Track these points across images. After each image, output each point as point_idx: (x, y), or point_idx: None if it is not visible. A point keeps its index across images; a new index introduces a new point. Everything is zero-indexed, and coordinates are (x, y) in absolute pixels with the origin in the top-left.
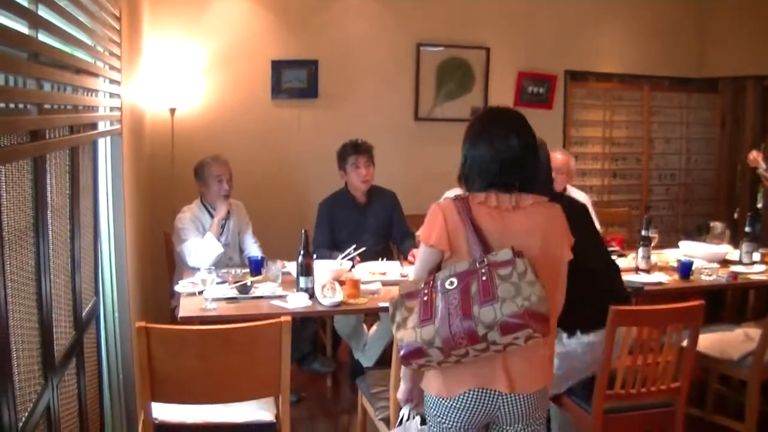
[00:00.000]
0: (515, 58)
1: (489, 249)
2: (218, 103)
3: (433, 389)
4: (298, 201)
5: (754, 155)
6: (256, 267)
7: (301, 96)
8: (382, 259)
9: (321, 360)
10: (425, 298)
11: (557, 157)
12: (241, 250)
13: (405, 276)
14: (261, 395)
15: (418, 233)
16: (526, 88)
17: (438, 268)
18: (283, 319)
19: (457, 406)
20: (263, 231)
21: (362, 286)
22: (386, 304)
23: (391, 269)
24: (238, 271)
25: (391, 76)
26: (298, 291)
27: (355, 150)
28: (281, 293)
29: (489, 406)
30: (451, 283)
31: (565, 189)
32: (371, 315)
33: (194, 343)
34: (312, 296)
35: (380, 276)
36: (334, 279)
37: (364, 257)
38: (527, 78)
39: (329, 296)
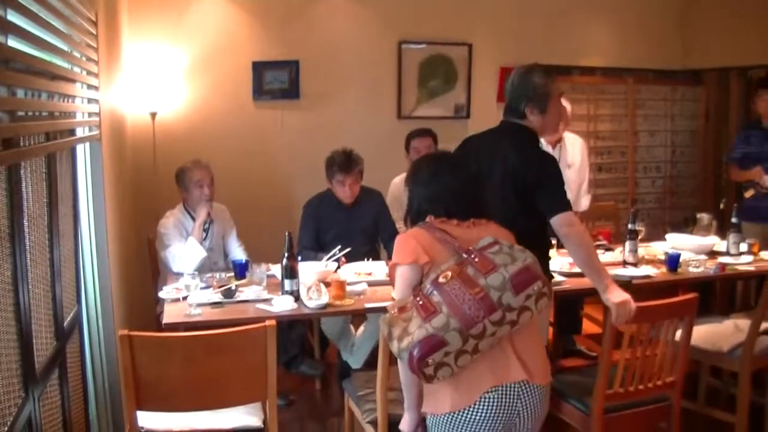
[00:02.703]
0: (498, 53)
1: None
2: (200, 105)
3: (446, 406)
4: (282, 202)
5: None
6: (241, 270)
7: (283, 97)
8: (368, 260)
9: (309, 362)
10: (421, 302)
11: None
12: (226, 254)
13: None
14: (248, 400)
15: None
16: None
17: (420, 283)
18: (267, 323)
19: (477, 417)
20: (248, 234)
21: (348, 287)
22: (373, 305)
23: (377, 269)
24: (223, 275)
25: (373, 75)
26: (283, 294)
27: (342, 169)
28: (266, 296)
29: (509, 407)
30: (445, 277)
31: (561, 138)
32: (358, 316)
33: (178, 349)
34: (297, 299)
35: (366, 277)
36: (320, 281)
37: (351, 258)
38: (510, 73)
39: (315, 298)
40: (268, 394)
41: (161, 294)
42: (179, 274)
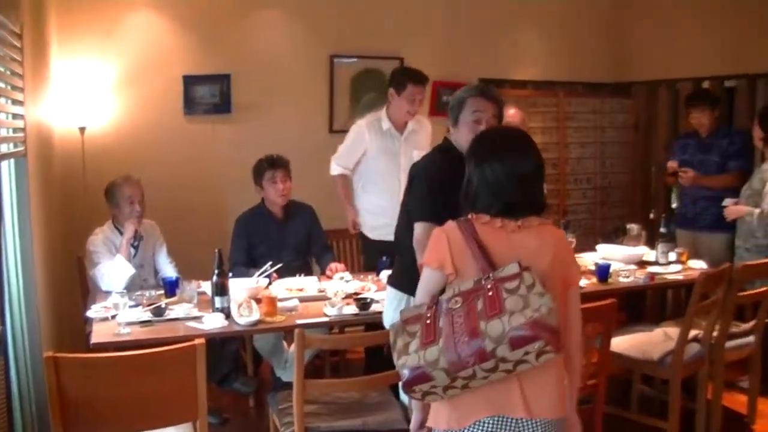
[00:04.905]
0: (429, 67)
1: (495, 267)
2: (130, 120)
3: (442, 423)
4: (214, 218)
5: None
6: (171, 288)
7: (215, 111)
8: (300, 275)
9: (242, 380)
10: (428, 321)
11: (510, 112)
12: (156, 271)
13: (323, 291)
14: (178, 421)
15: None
16: (441, 96)
17: (442, 291)
18: (197, 341)
19: None
20: (180, 250)
21: (279, 304)
22: (305, 321)
23: (309, 285)
24: (153, 293)
25: (305, 89)
26: (213, 311)
27: (271, 165)
28: (197, 314)
29: None
30: (456, 302)
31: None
32: (291, 332)
33: (105, 371)
34: (228, 316)
35: (298, 293)
36: (251, 297)
37: (283, 273)
38: (442, 87)
39: (245, 315)
40: (198, 414)
41: (89, 313)
42: (109, 293)
